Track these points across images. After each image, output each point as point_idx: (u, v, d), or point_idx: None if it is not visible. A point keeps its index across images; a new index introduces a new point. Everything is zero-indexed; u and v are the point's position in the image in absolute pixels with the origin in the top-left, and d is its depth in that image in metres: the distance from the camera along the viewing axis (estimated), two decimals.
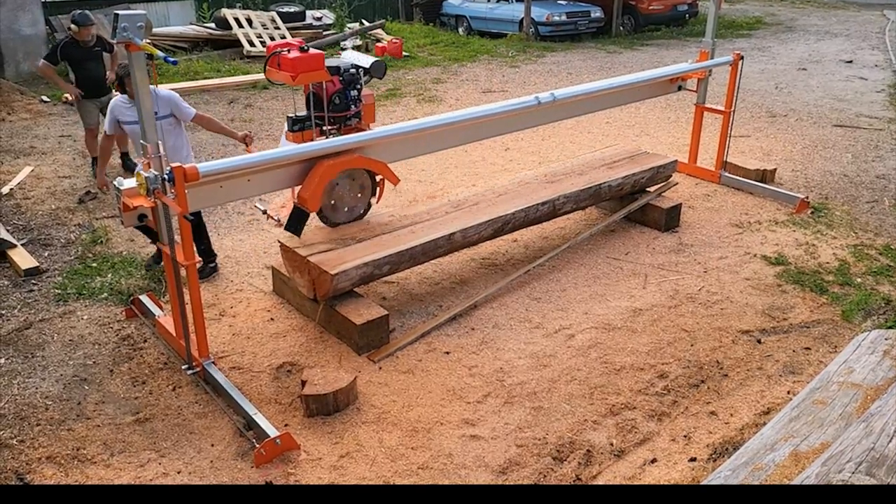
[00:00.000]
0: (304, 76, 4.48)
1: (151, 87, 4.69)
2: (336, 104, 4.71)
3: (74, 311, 4.89)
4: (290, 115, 4.68)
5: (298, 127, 4.67)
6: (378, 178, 4.92)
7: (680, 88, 6.94)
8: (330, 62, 4.71)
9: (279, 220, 4.82)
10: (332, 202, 4.77)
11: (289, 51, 4.49)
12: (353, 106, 4.79)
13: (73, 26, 6.99)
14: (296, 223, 4.66)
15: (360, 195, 4.90)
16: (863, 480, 2.53)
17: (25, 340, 4.58)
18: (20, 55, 11.49)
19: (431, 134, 5.06)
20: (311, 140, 4.69)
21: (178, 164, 3.73)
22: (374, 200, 5.06)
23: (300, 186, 4.51)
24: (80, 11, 7.12)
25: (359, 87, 4.80)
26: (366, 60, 4.97)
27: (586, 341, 4.61)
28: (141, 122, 3.72)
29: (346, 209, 4.88)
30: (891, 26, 17.53)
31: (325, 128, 4.73)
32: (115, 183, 3.98)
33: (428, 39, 15.54)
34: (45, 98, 10.28)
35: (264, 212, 5.15)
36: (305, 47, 4.47)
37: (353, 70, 4.76)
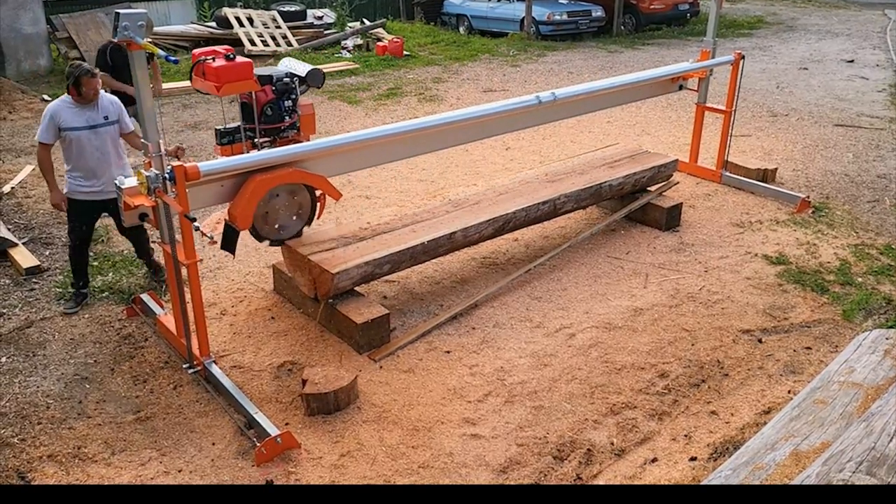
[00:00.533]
0: (229, 86, 4.16)
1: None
2: (268, 115, 4.41)
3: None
4: (219, 126, 4.33)
5: (227, 140, 4.34)
6: (318, 192, 4.59)
7: (681, 88, 6.93)
8: (261, 71, 4.45)
9: (213, 238, 4.54)
10: (268, 219, 4.44)
11: (213, 59, 4.18)
12: (287, 117, 4.49)
13: None
14: (229, 242, 4.37)
15: (299, 211, 4.56)
16: (863, 480, 2.53)
17: (27, 339, 4.59)
18: (21, 54, 11.50)
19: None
20: (241, 154, 4.37)
21: (177, 164, 3.73)
22: (316, 216, 4.74)
23: (231, 203, 4.22)
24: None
25: (294, 96, 4.51)
26: (302, 69, 4.68)
27: (587, 340, 4.61)
28: (141, 120, 3.72)
29: (280, 227, 4.52)
30: (892, 26, 17.52)
31: (256, 140, 4.40)
32: (115, 182, 3.99)
33: (429, 39, 15.53)
34: (45, 97, 10.28)
35: (196, 228, 4.80)
36: (232, 55, 4.15)
37: (286, 79, 4.46)
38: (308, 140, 4.62)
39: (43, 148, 4.62)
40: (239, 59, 4.17)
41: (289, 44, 13.45)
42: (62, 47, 11.62)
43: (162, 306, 4.79)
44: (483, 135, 5.40)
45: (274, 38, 13.40)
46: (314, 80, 4.69)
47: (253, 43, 13.05)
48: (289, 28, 13.83)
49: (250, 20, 13.55)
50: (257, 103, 4.37)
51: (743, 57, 6.83)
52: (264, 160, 4.21)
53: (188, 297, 4.09)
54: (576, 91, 5.75)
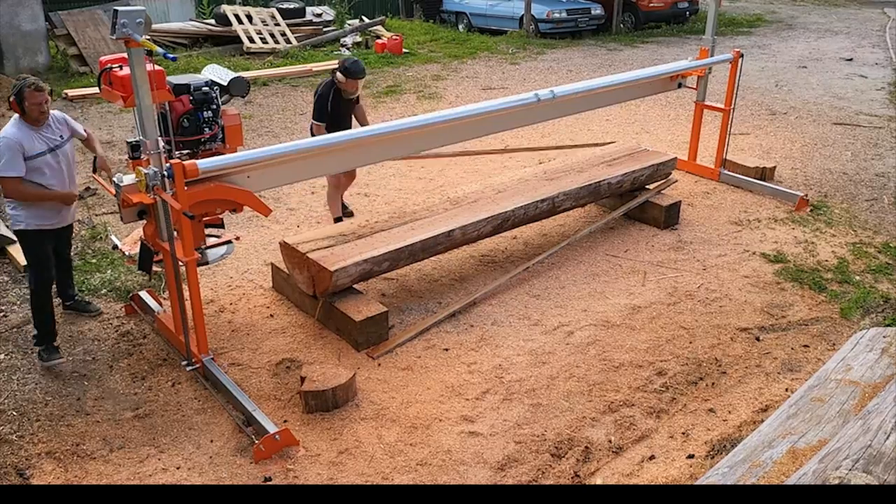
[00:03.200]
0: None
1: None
2: (185, 127, 4.11)
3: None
4: (130, 139, 3.97)
5: (139, 153, 3.92)
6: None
7: (680, 86, 6.93)
8: (178, 79, 4.17)
9: (132, 257, 4.26)
10: None
11: (121, 67, 3.86)
12: (207, 128, 4.19)
13: (339, 75, 5.57)
14: (145, 261, 4.15)
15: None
16: (860, 477, 2.54)
17: (25, 336, 4.59)
18: (20, 51, 11.48)
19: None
20: None
21: (177, 161, 3.70)
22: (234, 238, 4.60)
23: (145, 222, 4.02)
24: (354, 59, 5.65)
25: (214, 106, 4.22)
26: (224, 76, 4.42)
27: (585, 338, 4.62)
28: (140, 121, 3.68)
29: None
30: (891, 24, 17.52)
31: (173, 153, 4.04)
32: (114, 179, 3.98)
33: (428, 36, 15.52)
34: None
35: (115, 247, 4.59)
36: None
37: (205, 88, 4.17)
38: (235, 152, 4.26)
39: (16, 182, 4.00)
40: (149, 66, 3.73)
41: (288, 41, 13.44)
42: (61, 44, 11.60)
43: (160, 303, 4.79)
44: (482, 132, 5.39)
45: (273, 36, 13.38)
46: (238, 89, 4.43)
47: (252, 40, 13.04)
48: (288, 25, 13.81)
49: (249, 17, 13.53)
50: (173, 114, 4.07)
51: (742, 55, 6.83)
52: (266, 156, 4.16)
53: (186, 294, 4.09)
54: (575, 89, 5.74)
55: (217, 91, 4.26)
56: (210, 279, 5.27)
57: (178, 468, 3.55)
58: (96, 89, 4.43)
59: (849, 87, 11.18)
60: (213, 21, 13.77)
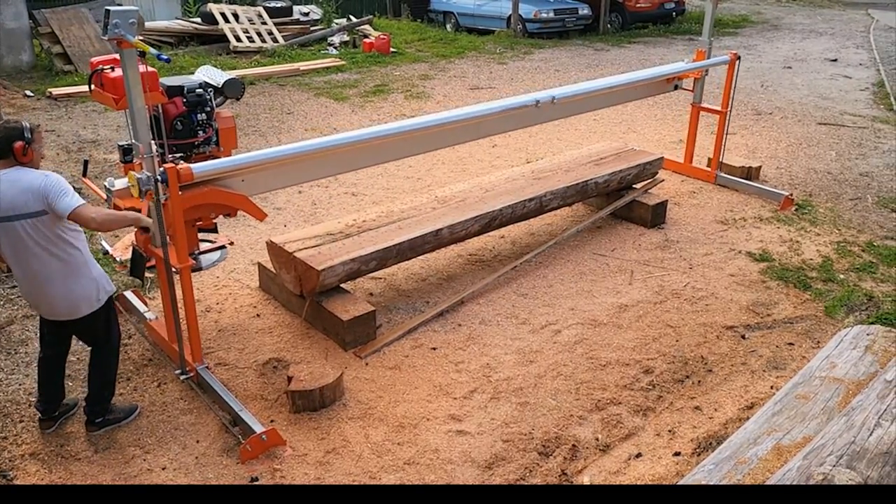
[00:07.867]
0: None
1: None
2: (178, 130, 4.04)
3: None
4: (122, 142, 3.89)
5: (131, 157, 3.79)
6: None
7: (676, 88, 6.93)
8: (172, 80, 4.10)
9: (123, 262, 4.23)
10: None
11: (112, 68, 3.79)
12: (201, 131, 4.12)
13: None
14: (137, 267, 4.05)
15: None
16: (843, 473, 2.56)
17: (8, 337, 4.54)
18: (3, 49, 11.39)
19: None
20: None
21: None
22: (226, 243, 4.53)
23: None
24: None
25: (208, 109, 4.15)
26: (219, 78, 4.36)
27: (572, 337, 4.63)
28: (132, 124, 3.60)
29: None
30: (875, 25, 17.69)
31: (166, 157, 3.93)
32: (105, 183, 3.92)
33: (416, 35, 15.52)
34: (28, 93, 10.18)
35: (105, 252, 4.57)
36: None
37: (199, 90, 4.10)
38: (229, 156, 4.19)
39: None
40: (141, 68, 3.61)
41: (275, 40, 13.40)
42: (45, 42, 11.50)
43: (146, 304, 4.75)
44: (478, 135, 5.29)
45: (260, 35, 13.34)
46: (232, 90, 4.37)
47: (238, 39, 12.99)
48: (275, 24, 13.77)
49: (236, 16, 13.47)
50: (165, 117, 3.99)
51: (739, 57, 6.83)
52: (262, 159, 4.07)
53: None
54: (574, 91, 5.68)
55: (211, 93, 4.19)
56: (196, 279, 5.22)
57: (163, 469, 3.53)
58: (81, 88, 4.37)
59: (833, 88, 11.28)
60: (199, 19, 13.70)
